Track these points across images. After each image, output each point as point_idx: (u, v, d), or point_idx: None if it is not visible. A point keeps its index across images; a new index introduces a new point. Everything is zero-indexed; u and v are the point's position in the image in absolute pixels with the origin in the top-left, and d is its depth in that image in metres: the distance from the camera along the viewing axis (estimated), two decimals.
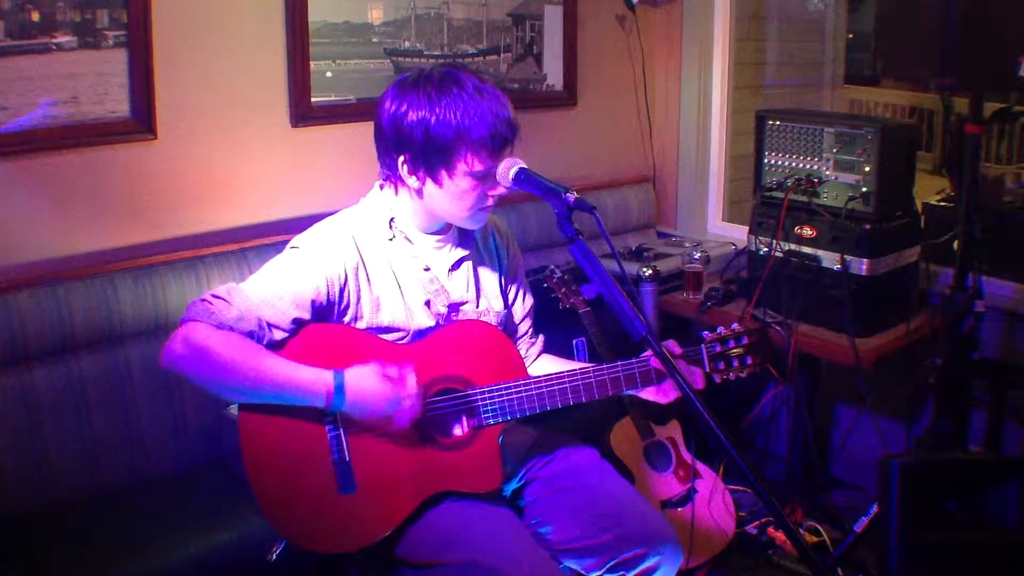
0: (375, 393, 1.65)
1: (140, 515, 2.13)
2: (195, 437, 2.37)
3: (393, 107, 1.72)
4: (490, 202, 1.77)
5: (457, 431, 1.80)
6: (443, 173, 1.71)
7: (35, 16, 2.14)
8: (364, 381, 1.65)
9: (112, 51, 2.27)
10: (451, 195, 1.74)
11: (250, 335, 1.65)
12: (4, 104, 2.13)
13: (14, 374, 2.13)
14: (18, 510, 2.10)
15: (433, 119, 1.67)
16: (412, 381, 1.68)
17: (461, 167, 1.70)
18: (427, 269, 1.84)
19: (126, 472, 2.27)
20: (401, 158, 1.73)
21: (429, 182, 1.74)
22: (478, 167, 1.70)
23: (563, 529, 1.84)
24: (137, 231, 2.38)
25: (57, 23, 2.18)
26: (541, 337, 2.08)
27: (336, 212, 1.86)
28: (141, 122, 2.33)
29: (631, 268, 2.90)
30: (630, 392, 1.83)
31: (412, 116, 1.69)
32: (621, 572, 1.81)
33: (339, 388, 1.64)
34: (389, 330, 1.79)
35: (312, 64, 2.63)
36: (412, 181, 1.75)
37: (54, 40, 2.18)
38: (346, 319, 1.77)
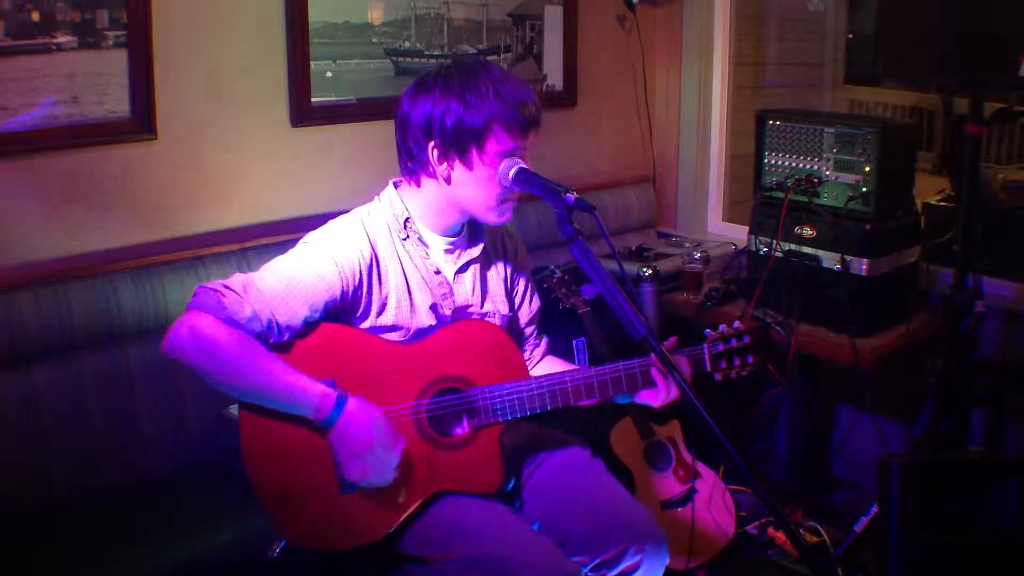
0: (367, 433, 1.64)
1: (140, 515, 2.13)
2: (195, 437, 2.37)
3: (421, 96, 1.75)
4: (515, 192, 1.78)
5: (458, 431, 1.80)
6: (474, 153, 1.72)
7: (35, 16, 2.14)
8: (365, 417, 1.65)
9: (112, 51, 2.27)
10: (480, 179, 1.74)
11: (259, 335, 1.65)
12: (4, 104, 2.13)
13: (14, 374, 2.12)
14: (18, 509, 2.10)
15: (465, 101, 1.70)
16: (399, 450, 1.67)
17: (492, 146, 1.71)
18: (438, 272, 1.84)
19: (126, 472, 2.26)
20: (431, 144, 1.74)
21: (459, 166, 1.75)
22: (508, 144, 1.72)
23: (548, 528, 1.84)
24: (137, 231, 2.38)
25: (57, 23, 2.17)
26: (545, 340, 2.08)
27: (338, 211, 1.85)
28: (141, 122, 2.32)
29: (631, 268, 2.90)
30: (625, 394, 1.84)
31: (444, 101, 1.72)
32: (603, 572, 1.80)
33: (339, 403, 1.64)
34: (392, 329, 1.79)
35: (312, 64, 2.62)
36: (442, 168, 1.76)
37: (54, 40, 2.18)
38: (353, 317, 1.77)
